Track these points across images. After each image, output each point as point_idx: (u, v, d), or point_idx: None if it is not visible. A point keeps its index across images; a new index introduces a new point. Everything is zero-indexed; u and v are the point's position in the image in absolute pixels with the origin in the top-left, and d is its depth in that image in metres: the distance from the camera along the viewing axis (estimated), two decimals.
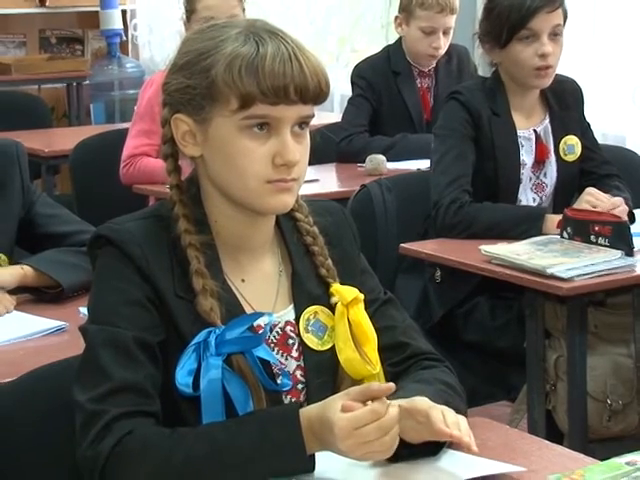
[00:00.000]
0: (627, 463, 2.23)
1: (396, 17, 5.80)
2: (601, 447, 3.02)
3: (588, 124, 4.56)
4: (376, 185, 4.65)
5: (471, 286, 4.19)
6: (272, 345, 2.38)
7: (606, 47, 6.07)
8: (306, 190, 2.47)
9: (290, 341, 2.41)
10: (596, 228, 3.99)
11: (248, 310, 2.37)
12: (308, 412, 2.17)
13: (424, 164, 4.74)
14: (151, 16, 8.63)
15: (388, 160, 5.25)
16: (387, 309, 2.55)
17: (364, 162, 5.29)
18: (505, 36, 4.31)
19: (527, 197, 4.40)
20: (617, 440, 3.81)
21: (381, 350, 2.41)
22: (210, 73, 2.26)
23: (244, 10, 5.22)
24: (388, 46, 5.82)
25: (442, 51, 5.74)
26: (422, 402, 2.20)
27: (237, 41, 2.27)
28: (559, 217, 4.11)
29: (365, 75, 5.75)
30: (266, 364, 2.31)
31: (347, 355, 2.37)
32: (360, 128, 5.62)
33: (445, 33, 5.68)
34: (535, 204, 4.38)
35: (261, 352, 2.30)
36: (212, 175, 2.36)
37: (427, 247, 4.23)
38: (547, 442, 2.82)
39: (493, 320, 4.20)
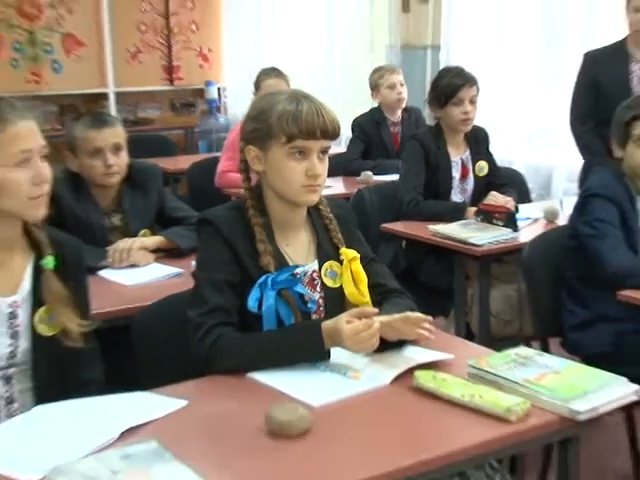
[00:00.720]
0: (515, 353, 2.25)
1: (371, 93, 5.78)
2: (499, 344, 3.01)
3: (491, 154, 4.52)
4: (366, 190, 4.64)
5: (423, 250, 4.16)
6: (304, 284, 2.40)
7: (502, 107, 6.08)
8: (325, 192, 2.48)
9: (315, 282, 2.43)
10: (496, 215, 3.96)
11: (290, 263, 2.39)
12: (326, 324, 2.21)
13: (395, 177, 4.67)
14: (235, 90, 8.63)
15: (374, 175, 5.20)
16: (373, 264, 2.56)
17: (359, 175, 5.24)
18: (443, 101, 4.28)
19: (456, 197, 4.37)
20: (508, 339, 3.80)
21: (369, 287, 2.42)
22: (269, 121, 2.29)
23: (289, 85, 5.22)
24: (373, 107, 5.78)
25: (404, 95, 5.66)
26: (396, 316, 2.27)
27: (285, 102, 2.30)
28: (474, 209, 4.10)
29: (360, 125, 5.71)
30: (301, 295, 2.35)
31: (349, 290, 2.40)
32: (356, 156, 5.59)
33: (402, 85, 5.63)
34: (461, 201, 4.35)
35: (298, 288, 2.35)
36: (270, 182, 2.38)
37: (397, 226, 4.22)
38: (467, 341, 2.84)
39: (436, 270, 4.18)
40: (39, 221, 2.20)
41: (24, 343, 2.20)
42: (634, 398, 2.08)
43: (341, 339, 2.17)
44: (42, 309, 2.20)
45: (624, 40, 4.63)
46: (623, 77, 4.57)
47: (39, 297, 2.20)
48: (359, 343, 2.18)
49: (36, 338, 2.20)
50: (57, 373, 2.24)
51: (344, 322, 2.17)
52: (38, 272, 2.21)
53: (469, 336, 3.88)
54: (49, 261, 2.19)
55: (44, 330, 2.20)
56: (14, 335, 2.19)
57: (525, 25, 5.99)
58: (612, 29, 5.08)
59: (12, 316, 2.18)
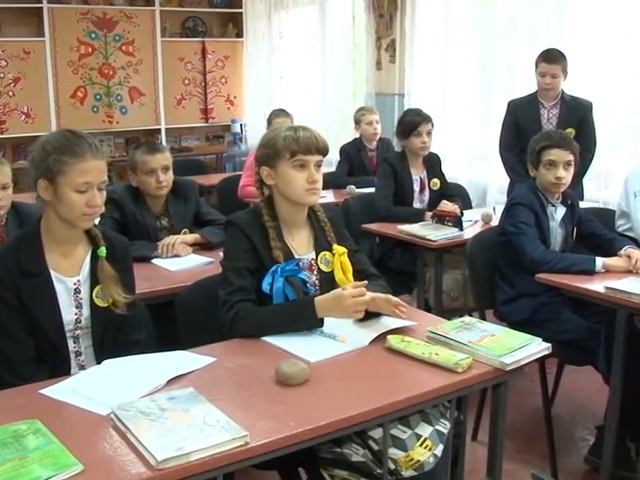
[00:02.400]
0: (461, 321, 2.22)
1: (355, 126, 5.68)
2: (449, 314, 2.98)
3: (442, 173, 4.48)
4: (351, 199, 4.58)
5: (392, 244, 4.11)
6: (305, 268, 2.33)
7: (451, 139, 6.06)
8: (320, 201, 2.42)
9: (313, 267, 2.36)
10: (447, 218, 3.92)
11: (295, 254, 2.33)
12: (320, 298, 2.17)
13: (371, 190, 4.60)
14: (253, 126, 8.50)
15: (356, 188, 5.12)
16: (357, 254, 2.49)
17: (345, 189, 5.16)
18: (407, 134, 4.24)
19: (417, 205, 4.32)
20: (456, 311, 3.79)
21: (355, 273, 2.37)
22: (276, 145, 2.26)
23: (293, 122, 5.14)
24: (355, 138, 5.69)
25: (379, 130, 5.60)
26: (381, 295, 2.23)
27: (287, 131, 2.27)
28: (431, 214, 4.05)
29: (346, 150, 5.64)
30: (303, 280, 2.29)
31: (339, 277, 2.34)
32: (343, 174, 5.51)
33: (377, 122, 5.56)
34: (420, 208, 4.30)
35: (301, 275, 2.28)
36: (280, 191, 2.31)
37: (373, 226, 4.13)
38: (426, 312, 2.79)
39: (402, 259, 4.13)
40: (88, 227, 2.20)
41: (85, 312, 2.21)
42: (546, 352, 2.10)
43: (339, 304, 2.13)
44: (98, 287, 2.21)
45: (536, 92, 4.64)
46: (536, 118, 4.58)
47: (95, 277, 2.20)
48: (354, 305, 2.14)
49: (94, 308, 2.21)
50: (110, 334, 2.24)
51: (341, 290, 2.15)
52: (95, 259, 2.21)
53: (427, 308, 3.83)
54: (102, 250, 2.20)
55: (99, 302, 2.21)
56: (78, 305, 2.20)
57: (466, 80, 6.00)
58: (525, 85, 5.07)
59: (76, 291, 2.19)
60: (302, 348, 2.04)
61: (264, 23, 8.31)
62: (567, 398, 3.76)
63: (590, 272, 2.95)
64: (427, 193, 4.38)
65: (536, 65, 4.56)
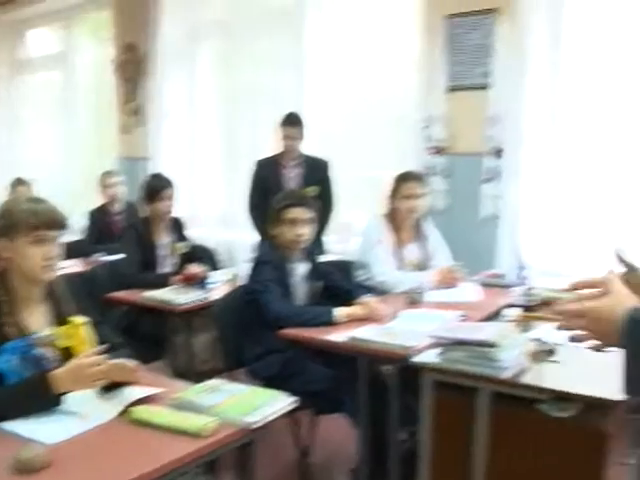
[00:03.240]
0: (206, 385, 2.25)
1: (100, 190, 5.63)
2: (200, 377, 2.98)
3: (186, 236, 4.52)
4: (97, 267, 4.46)
5: (139, 311, 3.96)
6: (42, 345, 2.21)
7: (197, 201, 6.12)
8: (67, 271, 2.39)
9: (51, 343, 2.23)
10: (193, 281, 3.94)
11: (31, 330, 2.23)
12: (56, 372, 2.09)
13: (119, 257, 4.45)
14: None
15: (104, 255, 4.96)
16: (100, 326, 2.36)
17: (92, 256, 5.00)
18: (151, 198, 4.25)
19: (166, 269, 4.29)
20: (207, 373, 3.68)
21: (98, 344, 2.25)
22: (14, 218, 2.18)
23: (32, 190, 4.97)
24: (103, 203, 5.60)
25: (116, 192, 5.58)
26: (119, 361, 2.20)
27: (26, 204, 2.22)
28: (179, 277, 4.04)
29: (93, 215, 5.53)
30: (39, 357, 2.18)
31: (79, 349, 2.20)
32: (91, 241, 5.37)
33: (116, 185, 5.60)
34: (168, 272, 4.25)
35: (35, 351, 2.18)
36: (16, 266, 2.21)
37: (120, 294, 4.00)
38: (174, 379, 2.75)
39: (152, 325, 3.96)
40: None
41: None
42: (293, 406, 2.17)
43: (76, 375, 2.06)
44: None
45: (280, 153, 4.89)
46: (279, 178, 4.82)
47: None
48: (93, 374, 2.07)
49: None
50: None
51: (77, 359, 2.09)
52: None
53: (179, 374, 3.72)
54: None
55: None
56: None
57: (211, 143, 6.21)
58: (269, 146, 5.22)
59: None
60: (40, 430, 1.94)
61: (5, 87, 8.03)
62: (323, 446, 3.86)
63: (329, 323, 3.11)
64: (173, 257, 4.37)
65: (279, 128, 4.80)
